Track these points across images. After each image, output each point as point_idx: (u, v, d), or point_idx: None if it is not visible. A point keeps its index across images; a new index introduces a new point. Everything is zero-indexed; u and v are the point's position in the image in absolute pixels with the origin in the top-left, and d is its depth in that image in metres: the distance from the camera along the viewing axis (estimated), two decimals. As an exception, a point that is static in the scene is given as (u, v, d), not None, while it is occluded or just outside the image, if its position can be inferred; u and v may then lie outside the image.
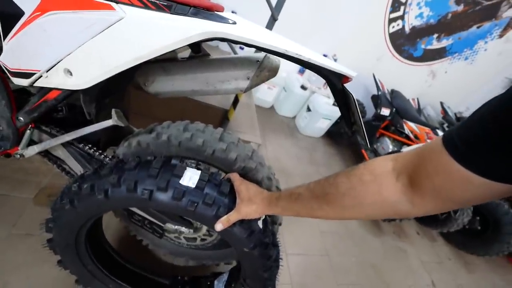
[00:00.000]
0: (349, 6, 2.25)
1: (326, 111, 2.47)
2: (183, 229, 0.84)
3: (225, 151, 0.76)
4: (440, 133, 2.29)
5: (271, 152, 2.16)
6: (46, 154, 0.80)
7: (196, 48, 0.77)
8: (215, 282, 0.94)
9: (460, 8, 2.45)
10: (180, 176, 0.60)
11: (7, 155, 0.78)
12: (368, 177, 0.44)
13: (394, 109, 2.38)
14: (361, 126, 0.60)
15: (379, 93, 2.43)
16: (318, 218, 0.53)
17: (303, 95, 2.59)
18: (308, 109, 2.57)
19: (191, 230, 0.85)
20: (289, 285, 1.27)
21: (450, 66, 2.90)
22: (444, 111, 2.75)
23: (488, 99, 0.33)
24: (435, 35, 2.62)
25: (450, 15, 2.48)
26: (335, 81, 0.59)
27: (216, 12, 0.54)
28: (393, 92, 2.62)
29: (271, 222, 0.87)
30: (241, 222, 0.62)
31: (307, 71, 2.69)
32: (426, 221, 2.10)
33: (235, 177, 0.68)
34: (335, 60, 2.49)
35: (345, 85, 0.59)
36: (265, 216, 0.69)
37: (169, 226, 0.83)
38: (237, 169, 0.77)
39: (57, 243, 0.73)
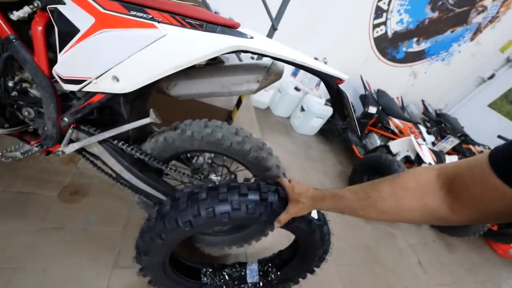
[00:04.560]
0: (337, 14, 2.44)
1: (319, 110, 2.64)
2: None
3: (241, 143, 0.89)
4: (422, 128, 2.51)
5: (269, 149, 2.30)
6: (81, 151, 0.91)
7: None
8: (247, 271, 1.03)
9: (435, 14, 2.70)
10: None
11: (47, 152, 0.88)
12: (412, 184, 0.48)
13: (380, 107, 2.58)
14: (353, 118, 0.76)
15: (367, 93, 2.63)
16: (360, 217, 0.59)
17: (297, 96, 2.76)
18: (302, 109, 2.74)
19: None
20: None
21: (429, 67, 3.15)
22: (425, 108, 3.00)
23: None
24: (415, 39, 2.86)
25: (427, 21, 2.73)
26: (332, 82, 0.73)
27: (237, 29, 0.67)
28: (379, 92, 2.84)
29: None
30: (301, 216, 0.72)
31: (300, 74, 2.86)
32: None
33: (284, 182, 0.76)
34: (325, 63, 2.68)
35: (339, 85, 0.74)
36: None
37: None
38: (251, 158, 0.91)
39: (148, 269, 0.84)
